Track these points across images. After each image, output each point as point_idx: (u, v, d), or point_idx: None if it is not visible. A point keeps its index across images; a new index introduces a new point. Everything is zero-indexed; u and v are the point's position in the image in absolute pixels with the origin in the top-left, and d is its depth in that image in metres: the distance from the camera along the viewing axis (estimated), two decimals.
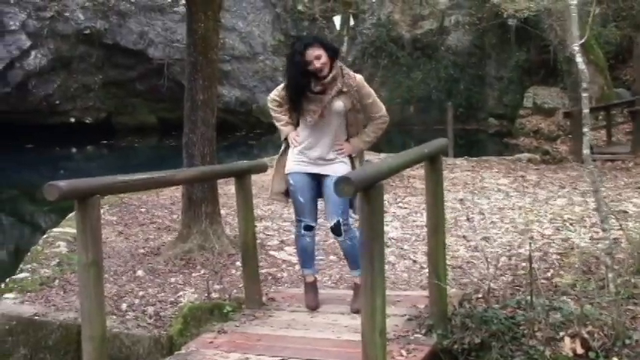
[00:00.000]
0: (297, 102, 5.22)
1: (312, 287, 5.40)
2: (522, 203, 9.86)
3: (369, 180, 3.29)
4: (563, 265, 6.37)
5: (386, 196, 10.88)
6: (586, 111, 4.49)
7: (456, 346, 4.62)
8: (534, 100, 22.99)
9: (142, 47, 25.11)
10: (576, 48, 4.48)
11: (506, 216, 9.04)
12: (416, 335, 4.65)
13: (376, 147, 9.90)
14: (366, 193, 3.36)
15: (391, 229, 8.73)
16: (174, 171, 4.56)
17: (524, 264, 6.62)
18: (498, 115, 25.85)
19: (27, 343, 5.86)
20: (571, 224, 8.22)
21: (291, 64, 5.26)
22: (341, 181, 3.18)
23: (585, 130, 4.50)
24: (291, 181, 5.29)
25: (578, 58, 4.47)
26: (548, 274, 6.20)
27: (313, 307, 5.29)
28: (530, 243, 5.32)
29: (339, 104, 5.16)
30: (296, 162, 5.29)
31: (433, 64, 26.39)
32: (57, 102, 25.11)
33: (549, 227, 8.19)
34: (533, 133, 21.34)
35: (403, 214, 9.43)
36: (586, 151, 4.50)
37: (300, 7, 25.94)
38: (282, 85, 5.43)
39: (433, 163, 4.59)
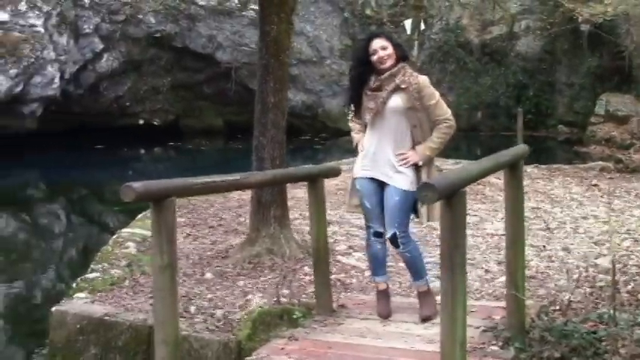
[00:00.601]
0: (357, 97, 5.21)
1: (383, 295, 5.29)
2: (597, 213, 9.58)
3: (452, 187, 3.18)
4: None
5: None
6: None
7: None
8: (607, 107, 22.39)
9: (211, 51, 25.35)
10: None
11: (581, 226, 8.79)
12: (492, 348, 4.50)
13: (442, 153, 9.73)
14: (448, 200, 3.25)
15: None
16: (247, 174, 4.51)
17: (601, 276, 6.40)
18: (568, 122, 25.32)
19: (97, 343, 5.88)
20: None
21: (355, 53, 5.40)
22: (424, 188, 3.07)
23: None
24: (357, 187, 5.21)
25: None
26: (629, 288, 5.97)
27: (385, 315, 5.18)
28: (614, 254, 5.09)
29: (395, 101, 5.04)
30: (362, 167, 5.21)
31: (502, 70, 25.99)
32: (127, 104, 25.54)
33: (627, 239, 7.92)
34: (605, 141, 20.82)
35: (473, 222, 9.24)
36: None
37: (368, 12, 25.86)
38: None
39: (513, 170, 4.44)
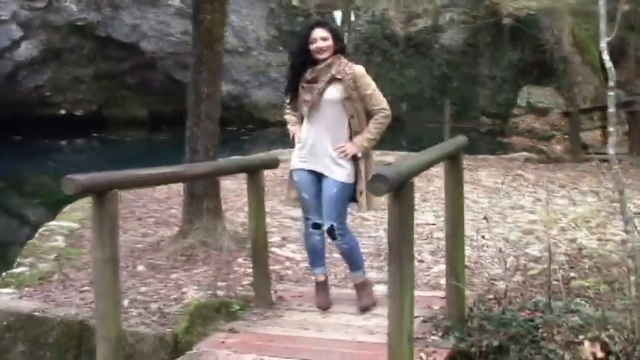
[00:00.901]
0: (294, 88, 5.20)
1: (323, 287, 5.28)
2: (523, 203, 9.78)
3: (401, 178, 3.17)
4: (573, 266, 6.28)
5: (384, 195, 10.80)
6: (612, 110, 4.38)
7: (473, 349, 4.52)
8: (528, 99, 22.94)
9: (135, 40, 24.88)
10: (603, 45, 4.37)
11: (509, 215, 8.96)
12: (433, 337, 4.54)
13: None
14: (396, 192, 3.24)
15: None
16: (191, 165, 4.43)
17: (532, 264, 6.53)
18: (491, 113, 25.78)
19: (26, 339, 5.69)
20: (576, 225, 8.14)
21: (295, 42, 5.36)
22: (376, 180, 3.06)
23: (611, 129, 4.40)
24: (295, 178, 5.20)
25: (605, 56, 4.37)
26: (558, 276, 6.09)
27: (325, 307, 5.17)
28: (549, 243, 5.19)
29: (332, 91, 5.02)
30: (299, 159, 5.19)
31: (427, 62, 26.29)
32: (47, 94, 24.84)
33: (554, 227, 8.10)
34: (526, 132, 21.33)
35: None
36: (611, 151, 4.39)
37: (294, 2, 25.80)
38: None
39: (454, 161, 4.48)
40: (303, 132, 5.18)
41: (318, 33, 5.05)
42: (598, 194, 10.21)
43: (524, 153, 15.57)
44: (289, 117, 5.38)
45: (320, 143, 5.07)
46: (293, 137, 5.30)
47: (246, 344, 4.47)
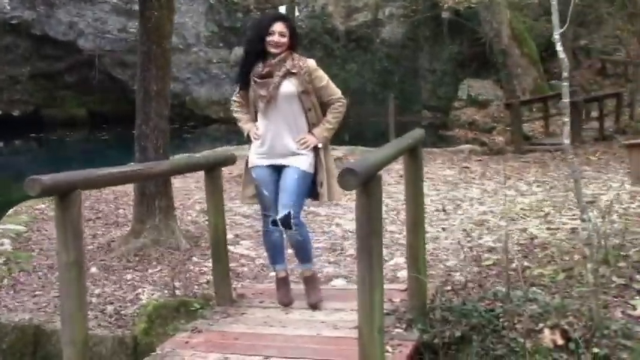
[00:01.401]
0: (246, 80, 5.09)
1: (284, 283, 5.25)
2: (472, 194, 9.91)
3: (371, 171, 3.18)
4: (526, 255, 6.37)
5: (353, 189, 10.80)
6: (566, 100, 4.46)
7: (436, 340, 4.55)
8: (469, 92, 23.25)
9: (72, 38, 24.48)
10: (557, 37, 4.44)
11: (459, 207, 9.06)
12: (397, 330, 4.56)
13: None
14: (365, 185, 3.24)
15: (345, 222, 8.66)
16: (152, 164, 4.35)
17: (486, 254, 6.62)
18: (432, 107, 26.09)
19: None
20: (525, 215, 8.27)
21: (253, 29, 5.19)
22: (346, 174, 3.05)
23: (566, 119, 4.47)
24: (254, 175, 5.11)
25: (559, 47, 4.44)
26: (513, 265, 6.19)
27: (286, 303, 5.14)
28: (506, 234, 5.27)
29: (287, 86, 4.97)
30: (257, 155, 5.11)
31: (368, 57, 26.46)
32: None
33: (503, 218, 8.22)
34: (468, 124, 21.58)
35: (350, 206, 9.33)
36: (566, 141, 4.47)
37: None
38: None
39: (413, 154, 4.50)
40: (260, 128, 5.10)
41: (278, 27, 4.98)
42: (543, 184, 10.39)
43: (468, 145, 15.76)
44: (240, 115, 5.28)
45: (279, 139, 5.03)
46: (248, 135, 5.20)
47: (211, 343, 4.43)
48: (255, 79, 5.02)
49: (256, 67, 5.04)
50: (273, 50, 4.98)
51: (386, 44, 26.54)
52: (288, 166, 5.01)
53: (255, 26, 5.31)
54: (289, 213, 4.96)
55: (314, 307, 5.08)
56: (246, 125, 5.20)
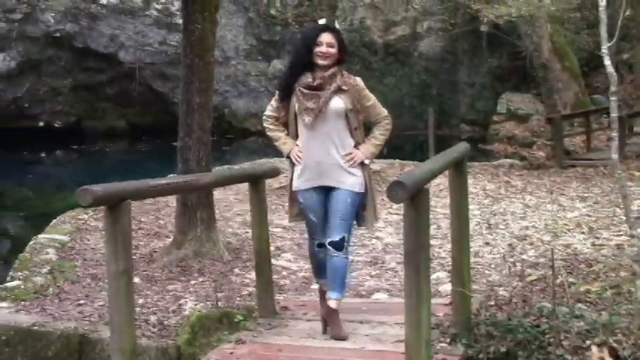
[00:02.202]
0: (289, 89, 4.87)
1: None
2: (513, 209, 9.83)
3: (419, 184, 3.17)
4: (571, 271, 6.30)
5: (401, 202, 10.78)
6: (614, 115, 4.41)
7: (481, 356, 4.51)
8: (508, 106, 23.10)
9: (113, 51, 24.80)
10: (605, 50, 4.40)
11: (501, 222, 8.99)
12: (441, 345, 4.53)
13: None
14: (413, 198, 3.23)
15: (386, 235, 8.64)
16: (198, 175, 4.39)
17: (530, 270, 6.55)
18: (470, 120, 25.95)
19: (25, 354, 5.64)
20: (568, 230, 8.18)
21: (301, 40, 5.02)
22: (395, 186, 3.05)
23: (614, 134, 4.42)
24: (300, 199, 4.89)
25: (607, 61, 4.39)
26: (558, 281, 6.12)
27: None
28: (552, 249, 5.21)
29: (338, 102, 4.80)
30: (303, 178, 4.87)
31: (406, 70, 26.41)
32: (26, 105, 24.67)
33: (546, 233, 8.14)
34: (507, 139, 21.42)
35: (395, 220, 9.32)
36: (615, 156, 4.42)
37: (272, 12, 25.82)
38: (274, 98, 5.05)
39: (459, 168, 4.48)
40: (303, 148, 4.86)
41: (326, 37, 4.80)
42: (586, 199, 10.28)
43: (509, 160, 15.64)
44: (276, 133, 5.00)
45: (326, 157, 4.84)
46: (288, 155, 4.95)
47: (255, 354, 4.44)
48: (303, 89, 4.83)
49: (304, 78, 4.85)
50: (321, 62, 4.80)
51: (424, 58, 26.49)
52: (338, 189, 4.82)
53: (302, 37, 5.14)
54: (343, 237, 4.80)
55: (339, 339, 4.77)
56: (285, 146, 4.94)
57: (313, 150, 4.83)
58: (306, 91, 4.83)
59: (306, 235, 5.19)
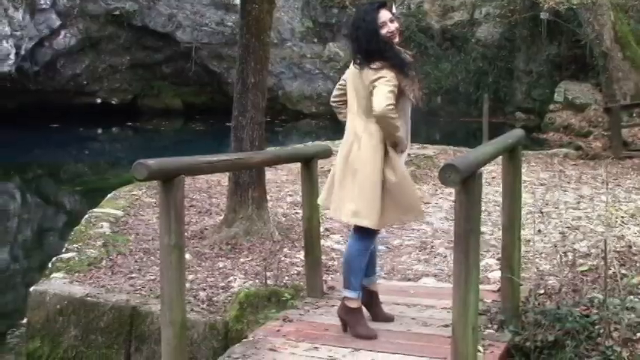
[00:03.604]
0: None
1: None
2: (567, 198, 9.69)
3: (472, 168, 3.15)
4: (623, 263, 6.20)
5: (425, 187, 10.77)
6: None
7: (528, 344, 4.49)
8: (565, 95, 22.69)
9: (170, 30, 25.01)
10: None
11: (553, 211, 8.88)
12: (488, 331, 4.52)
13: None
14: (465, 182, 3.22)
15: (436, 220, 8.60)
16: (251, 153, 4.44)
17: (581, 260, 6.46)
18: (526, 109, 25.59)
19: (78, 324, 5.78)
20: (623, 221, 8.05)
21: (364, 23, 4.42)
22: (447, 169, 3.04)
23: None
24: None
25: None
26: (609, 272, 6.04)
27: None
28: (605, 240, 5.15)
29: None
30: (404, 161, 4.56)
31: (462, 56, 26.14)
32: (84, 82, 25.06)
33: (600, 224, 8.02)
34: (563, 128, 21.06)
35: (446, 206, 9.27)
36: None
37: None
38: (393, 85, 4.35)
39: (513, 154, 4.44)
40: (406, 131, 4.51)
41: (386, 15, 4.42)
42: None
43: (564, 149, 15.40)
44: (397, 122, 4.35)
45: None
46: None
47: (302, 333, 4.49)
48: (412, 71, 4.41)
49: (406, 57, 4.46)
50: (394, 41, 4.42)
51: (481, 44, 26.18)
52: None
53: (364, 23, 4.43)
54: None
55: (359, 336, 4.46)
56: (402, 134, 4.41)
57: (408, 132, 4.56)
58: (409, 71, 4.42)
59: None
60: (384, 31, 4.40)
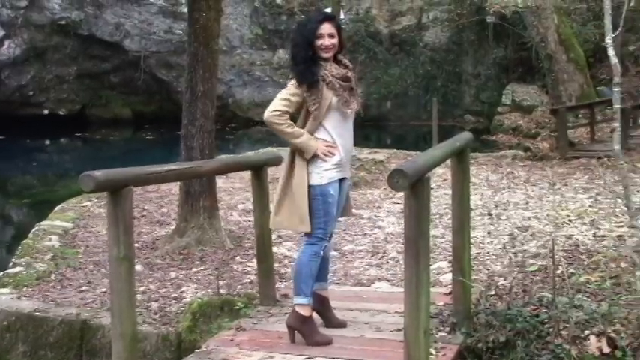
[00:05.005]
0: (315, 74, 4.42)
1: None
2: (516, 199, 9.82)
3: (420, 172, 3.18)
4: (571, 262, 6.30)
5: (377, 192, 10.83)
6: (617, 107, 4.41)
7: (480, 345, 4.53)
8: (513, 97, 23.07)
9: (118, 39, 24.80)
10: (609, 41, 4.39)
11: (503, 212, 8.99)
12: (440, 334, 4.55)
13: (355, 142, 9.61)
14: (414, 187, 3.25)
15: (387, 225, 8.64)
16: (200, 162, 4.42)
17: (531, 260, 6.56)
18: (475, 111, 25.94)
19: (27, 339, 5.68)
20: (570, 221, 8.18)
21: (301, 32, 4.53)
22: (396, 174, 3.06)
23: (616, 125, 4.42)
24: (332, 192, 4.49)
25: (611, 52, 4.38)
26: (558, 271, 6.13)
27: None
28: (552, 240, 5.23)
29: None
30: (335, 171, 4.50)
31: (411, 60, 26.38)
32: (30, 93, 24.70)
33: (548, 224, 8.15)
34: (511, 130, 21.38)
35: (397, 210, 9.33)
36: (617, 147, 4.42)
37: (278, 1, 25.78)
38: (291, 93, 4.48)
39: (460, 158, 4.49)
40: (338, 140, 4.51)
41: (327, 29, 4.46)
42: (589, 191, 10.27)
43: (512, 151, 15.62)
44: (294, 129, 4.45)
45: (351, 147, 4.70)
46: (315, 152, 4.47)
47: (255, 341, 4.47)
48: (340, 82, 4.49)
49: (334, 69, 4.51)
50: (324, 55, 4.48)
51: (429, 48, 26.45)
52: (346, 178, 4.68)
53: (301, 32, 4.55)
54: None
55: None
56: (312, 142, 4.44)
57: (346, 141, 4.57)
58: (343, 82, 4.52)
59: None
60: (318, 43, 4.46)
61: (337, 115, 4.51)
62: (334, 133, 4.51)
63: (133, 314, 3.66)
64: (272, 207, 4.67)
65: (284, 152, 4.80)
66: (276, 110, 4.42)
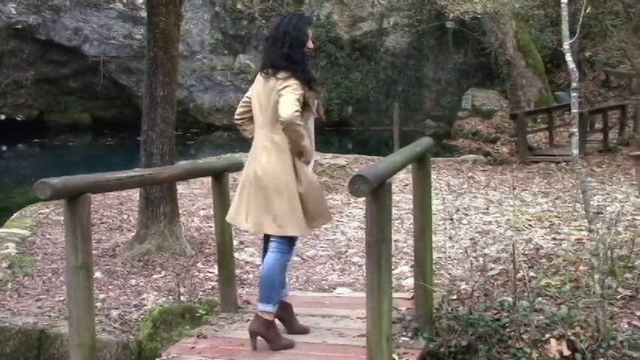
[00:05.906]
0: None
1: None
2: (477, 204, 9.89)
3: (382, 178, 3.17)
4: (532, 266, 6.35)
5: (339, 197, 10.83)
6: (575, 111, 4.45)
7: (442, 350, 4.54)
8: (473, 102, 23.26)
9: (77, 44, 24.49)
10: (566, 47, 4.43)
11: (464, 217, 9.05)
12: (403, 339, 4.55)
13: (317, 147, 9.59)
14: (375, 192, 3.24)
15: (350, 230, 8.65)
16: (160, 169, 4.36)
17: (492, 265, 6.60)
18: (436, 116, 26.09)
19: None
20: (530, 225, 8.26)
21: (299, 33, 4.46)
22: (357, 180, 3.05)
23: (574, 130, 4.46)
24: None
25: (569, 58, 4.42)
26: (519, 275, 6.17)
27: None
28: (513, 244, 5.26)
29: None
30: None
31: (372, 66, 26.46)
32: None
33: (508, 228, 8.21)
34: (471, 134, 21.54)
35: (360, 215, 9.33)
36: (575, 152, 4.46)
37: (239, 6, 25.70)
38: (297, 98, 4.34)
39: (421, 163, 4.49)
40: (312, 141, 4.53)
41: (310, 33, 4.55)
42: (548, 195, 10.38)
43: (473, 155, 15.75)
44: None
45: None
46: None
47: (217, 349, 4.42)
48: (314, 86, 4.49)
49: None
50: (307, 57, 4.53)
51: (390, 53, 26.56)
52: None
53: (299, 33, 4.47)
54: None
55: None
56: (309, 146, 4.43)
57: (312, 144, 4.55)
58: (316, 86, 4.52)
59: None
60: (308, 45, 4.51)
61: (311, 117, 4.51)
62: (310, 135, 4.49)
63: (91, 323, 3.60)
64: (261, 214, 4.41)
65: (245, 158, 4.75)
66: (297, 110, 4.27)
